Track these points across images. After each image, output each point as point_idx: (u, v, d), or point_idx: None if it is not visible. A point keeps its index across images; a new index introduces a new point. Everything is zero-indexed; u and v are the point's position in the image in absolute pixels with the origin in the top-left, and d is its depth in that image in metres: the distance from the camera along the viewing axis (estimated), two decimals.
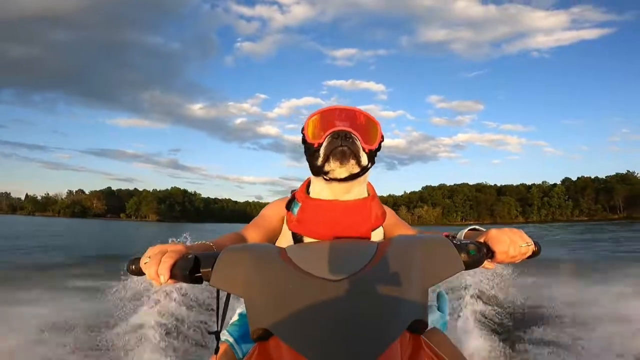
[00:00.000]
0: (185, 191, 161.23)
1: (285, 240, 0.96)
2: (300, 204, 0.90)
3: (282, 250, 0.70)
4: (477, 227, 0.82)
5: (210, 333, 0.87)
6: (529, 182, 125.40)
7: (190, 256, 0.69)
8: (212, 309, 3.26)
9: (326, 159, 0.80)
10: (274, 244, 1.02)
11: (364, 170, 0.83)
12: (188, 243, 0.80)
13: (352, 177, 0.83)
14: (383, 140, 0.88)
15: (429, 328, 0.82)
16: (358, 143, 0.80)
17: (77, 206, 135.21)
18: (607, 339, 2.70)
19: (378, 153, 0.89)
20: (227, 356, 0.92)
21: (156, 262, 0.67)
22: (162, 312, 3.01)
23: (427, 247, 0.67)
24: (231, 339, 0.95)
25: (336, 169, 0.81)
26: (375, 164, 0.90)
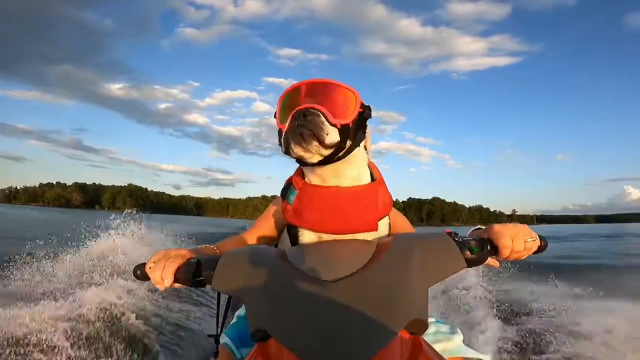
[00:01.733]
0: (140, 187, 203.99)
1: (287, 238, 0.91)
2: (297, 192, 0.82)
3: (282, 252, 0.70)
4: (482, 227, 0.77)
5: (209, 336, 0.85)
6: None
7: (192, 260, 0.71)
8: (211, 311, 3.09)
9: (288, 144, 0.71)
10: (279, 240, 1.01)
11: (339, 149, 0.72)
12: (192, 247, 0.80)
13: (328, 160, 0.73)
14: (365, 111, 0.76)
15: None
16: (320, 119, 0.68)
17: (62, 199, 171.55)
18: None
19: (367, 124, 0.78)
20: (226, 358, 0.90)
21: (160, 267, 0.69)
22: (158, 314, 2.84)
23: (427, 245, 0.66)
24: (230, 342, 0.93)
25: (300, 153, 0.71)
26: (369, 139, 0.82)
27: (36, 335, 1.96)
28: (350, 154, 0.75)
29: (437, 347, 0.75)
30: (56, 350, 1.94)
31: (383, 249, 0.66)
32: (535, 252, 0.72)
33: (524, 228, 0.70)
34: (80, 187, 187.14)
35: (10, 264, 3.39)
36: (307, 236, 0.81)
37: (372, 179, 0.83)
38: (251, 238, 0.97)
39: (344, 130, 0.71)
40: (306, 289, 0.59)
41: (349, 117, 0.72)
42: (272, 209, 1.01)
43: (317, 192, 0.79)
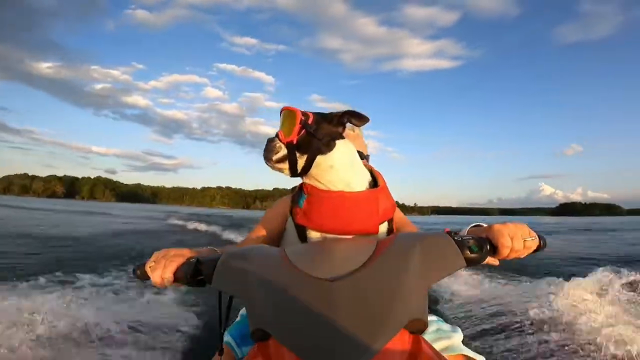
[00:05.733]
0: (110, 180, 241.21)
1: (290, 237, 0.97)
2: (306, 196, 0.90)
3: (281, 251, 0.71)
4: (480, 223, 0.79)
5: (212, 335, 0.91)
6: None
7: (192, 259, 0.72)
8: (214, 309, 1.75)
9: None
10: (280, 241, 1.06)
11: (292, 162, 0.86)
12: (191, 248, 0.81)
13: (294, 174, 0.87)
14: (306, 126, 0.85)
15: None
16: (274, 142, 0.86)
17: (49, 190, 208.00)
18: None
19: (315, 135, 0.86)
20: (227, 357, 0.91)
21: (160, 266, 0.71)
22: (162, 312, 2.87)
23: (427, 244, 0.66)
24: (231, 340, 0.95)
25: (272, 170, 0.88)
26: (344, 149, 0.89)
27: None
28: (318, 163, 0.87)
29: (438, 346, 0.78)
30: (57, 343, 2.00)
31: (382, 248, 0.67)
32: (534, 251, 0.72)
33: (523, 227, 0.70)
34: (60, 180, 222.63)
35: None
36: (314, 236, 0.90)
37: (376, 185, 0.92)
38: (255, 238, 1.03)
39: (289, 146, 0.85)
40: (306, 287, 0.59)
41: (292, 135, 0.85)
42: (270, 212, 1.07)
43: (323, 197, 0.88)
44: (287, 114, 0.86)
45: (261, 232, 1.04)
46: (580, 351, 2.10)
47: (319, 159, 0.86)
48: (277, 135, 0.86)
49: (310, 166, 0.87)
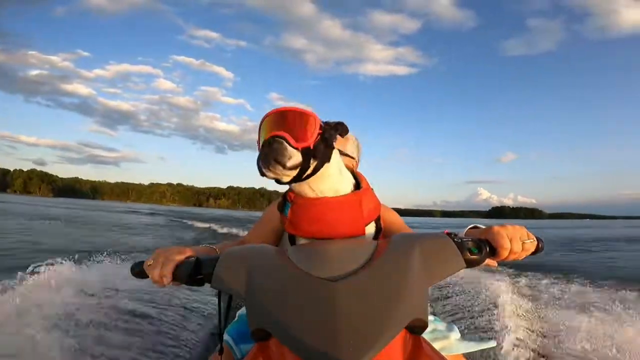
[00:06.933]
0: (46, 173, 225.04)
1: (287, 240, 0.96)
2: (290, 205, 0.89)
3: (282, 251, 0.71)
4: (478, 225, 0.80)
5: (212, 334, 0.88)
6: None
7: (191, 258, 0.72)
8: (215, 308, 2.99)
9: (260, 169, 0.79)
10: (277, 245, 1.07)
11: (304, 168, 0.78)
12: (191, 246, 0.82)
13: (298, 179, 0.80)
14: (326, 131, 0.81)
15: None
16: (283, 145, 0.75)
17: None
18: None
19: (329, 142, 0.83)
20: (226, 356, 0.90)
21: (159, 265, 0.71)
22: (161, 312, 2.82)
23: (427, 245, 0.67)
24: (230, 339, 0.95)
25: (270, 175, 0.78)
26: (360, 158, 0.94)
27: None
28: (320, 171, 0.82)
29: (435, 345, 0.79)
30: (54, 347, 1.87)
31: (383, 248, 0.67)
32: (532, 254, 0.73)
33: (521, 229, 0.71)
34: None
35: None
36: (303, 243, 0.89)
37: (359, 187, 0.91)
38: (252, 240, 1.04)
39: (305, 152, 0.77)
40: (307, 287, 0.59)
41: (309, 140, 0.78)
42: (267, 215, 1.08)
43: (307, 204, 0.86)
44: (299, 115, 0.79)
45: (259, 232, 1.06)
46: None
47: (324, 166, 0.82)
48: (281, 137, 0.75)
49: (314, 174, 0.81)
